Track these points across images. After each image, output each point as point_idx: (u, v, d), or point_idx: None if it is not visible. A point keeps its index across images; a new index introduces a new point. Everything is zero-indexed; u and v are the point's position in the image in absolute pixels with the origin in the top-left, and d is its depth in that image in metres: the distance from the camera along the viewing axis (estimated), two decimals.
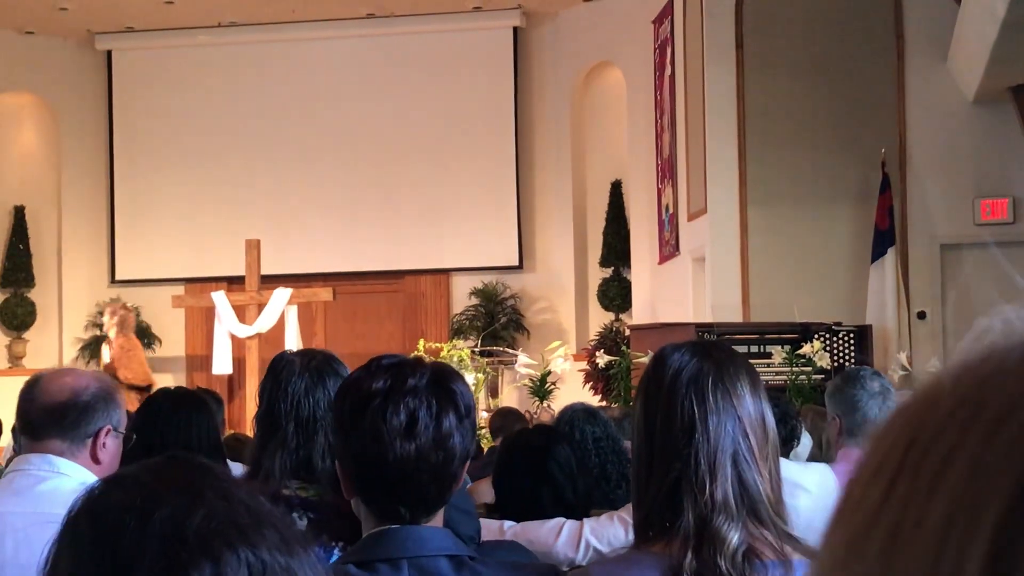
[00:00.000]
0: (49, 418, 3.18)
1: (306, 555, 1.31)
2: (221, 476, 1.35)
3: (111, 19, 16.48)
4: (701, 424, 2.10)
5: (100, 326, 13.93)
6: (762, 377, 7.37)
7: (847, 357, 10.44)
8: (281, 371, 3.26)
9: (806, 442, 5.59)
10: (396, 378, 2.25)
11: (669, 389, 2.14)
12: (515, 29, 16.66)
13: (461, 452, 2.23)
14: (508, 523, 3.72)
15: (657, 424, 2.14)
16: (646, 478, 2.14)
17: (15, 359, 16.83)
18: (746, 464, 2.10)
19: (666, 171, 14.16)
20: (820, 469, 4.11)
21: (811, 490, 3.94)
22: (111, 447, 3.24)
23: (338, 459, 2.35)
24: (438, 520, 2.27)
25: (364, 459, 2.23)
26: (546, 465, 3.93)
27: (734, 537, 2.05)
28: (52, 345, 16.97)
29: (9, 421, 8.31)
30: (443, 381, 2.27)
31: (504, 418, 8.61)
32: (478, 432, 11.47)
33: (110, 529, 1.27)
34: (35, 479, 3.14)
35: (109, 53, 17.31)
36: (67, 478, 3.14)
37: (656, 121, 14.69)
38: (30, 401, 3.23)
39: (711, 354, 2.17)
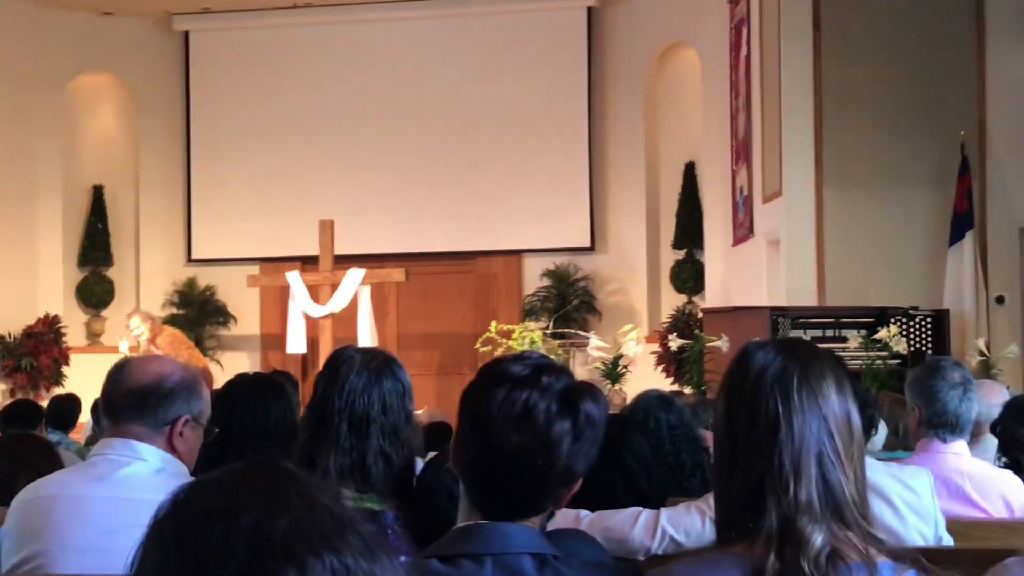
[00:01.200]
0: (130, 401, 3.22)
1: (389, 561, 1.31)
2: (305, 481, 1.35)
3: (189, 0, 16.61)
4: (785, 423, 2.07)
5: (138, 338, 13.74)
6: None
7: (924, 342, 10.33)
8: (340, 365, 3.25)
9: (882, 431, 5.53)
10: (532, 372, 2.22)
11: (753, 387, 2.11)
12: (589, 9, 16.60)
13: (563, 466, 2.19)
14: (584, 512, 3.71)
15: (740, 423, 2.11)
16: (728, 477, 2.12)
17: (93, 337, 17.07)
18: (831, 465, 2.07)
19: (740, 152, 14.05)
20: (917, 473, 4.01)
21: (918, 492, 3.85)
22: (189, 437, 3.26)
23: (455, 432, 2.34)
24: (532, 523, 2.25)
25: (469, 438, 2.23)
26: (620, 455, 3.91)
27: (818, 538, 2.02)
28: None
29: (88, 397, 8.42)
30: (574, 393, 2.23)
31: None
32: None
33: (195, 534, 1.27)
34: (116, 464, 3.19)
35: (186, 34, 17.45)
36: (146, 463, 3.18)
37: (731, 102, 14.58)
38: (114, 383, 3.28)
39: (796, 352, 2.15)
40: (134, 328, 13.70)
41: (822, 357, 2.17)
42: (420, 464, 4.53)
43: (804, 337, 9.92)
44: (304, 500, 1.30)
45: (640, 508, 3.70)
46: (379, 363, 3.27)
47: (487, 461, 2.20)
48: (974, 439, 4.94)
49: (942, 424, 4.43)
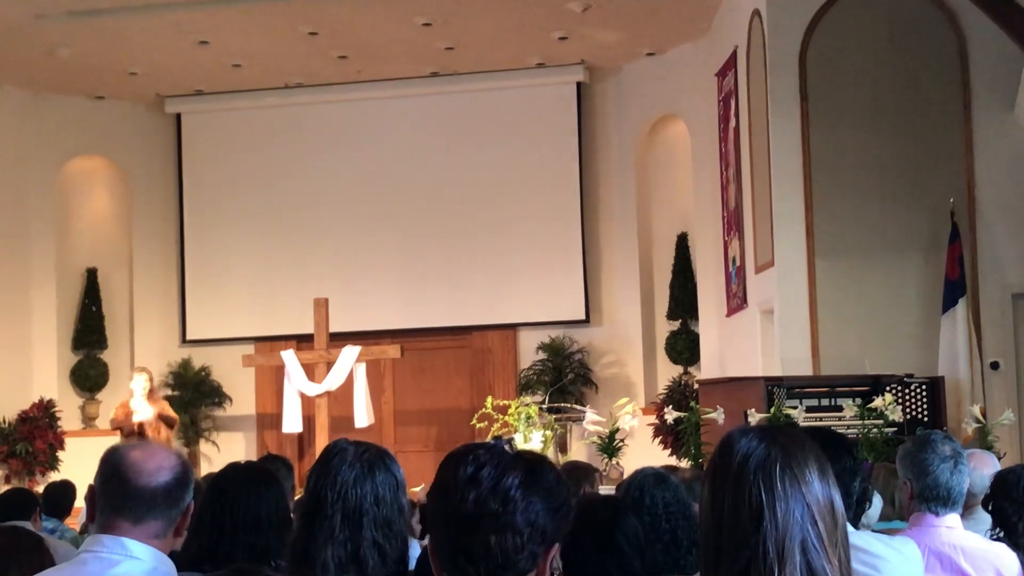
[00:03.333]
0: (155, 500, 3.12)
1: None
2: None
3: (180, 82, 16.74)
4: (769, 511, 2.08)
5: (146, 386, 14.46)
6: None
7: (919, 410, 10.33)
8: (333, 457, 3.25)
9: (877, 503, 5.52)
10: (487, 448, 2.30)
11: (736, 476, 2.12)
12: (578, 84, 16.73)
13: (523, 515, 2.21)
14: None
15: (725, 511, 2.12)
16: (715, 565, 2.13)
17: (88, 420, 17.02)
18: (815, 552, 2.08)
19: (732, 223, 14.12)
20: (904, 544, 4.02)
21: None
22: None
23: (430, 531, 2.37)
24: None
25: (435, 517, 2.27)
26: (614, 537, 3.90)
27: None
28: None
29: (83, 482, 8.39)
30: (522, 457, 2.32)
31: (570, 475, 8.19)
32: None
33: None
34: (107, 563, 3.11)
35: (178, 116, 17.56)
36: (140, 562, 3.11)
37: (721, 173, 14.67)
38: (125, 484, 3.15)
39: (778, 439, 2.16)
40: (137, 383, 14.26)
41: (804, 443, 2.19)
42: (415, 546, 4.52)
43: (799, 407, 9.92)
44: None
45: None
46: (372, 455, 3.26)
47: (453, 527, 2.23)
48: (967, 511, 4.94)
49: (934, 498, 4.43)
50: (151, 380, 14.48)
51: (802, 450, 2.16)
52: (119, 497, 3.18)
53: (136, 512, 3.14)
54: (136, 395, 14.25)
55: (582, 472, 8.17)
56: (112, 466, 3.21)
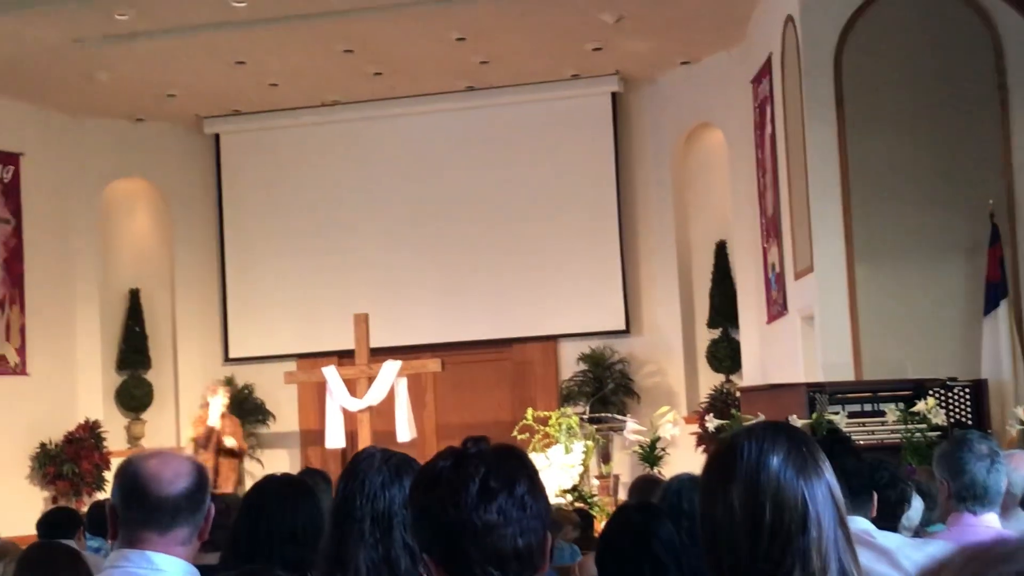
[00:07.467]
0: (179, 508, 3.13)
1: None
2: None
3: (218, 103, 16.86)
4: (812, 505, 2.06)
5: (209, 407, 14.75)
6: (876, 436, 7.30)
7: (963, 413, 10.25)
8: (360, 463, 3.29)
9: (918, 505, 5.49)
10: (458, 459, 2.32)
11: (773, 478, 2.09)
12: (613, 94, 16.73)
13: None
14: None
15: (766, 514, 2.08)
16: (744, 571, 2.09)
17: (134, 440, 17.13)
18: (842, 534, 2.09)
19: (770, 230, 14.08)
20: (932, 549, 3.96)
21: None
22: None
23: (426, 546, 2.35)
24: None
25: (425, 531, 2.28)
26: (649, 545, 3.90)
27: None
28: (169, 425, 17.26)
29: None
30: (516, 457, 2.35)
31: (641, 491, 8.13)
32: (590, 500, 11.43)
33: None
34: None
35: (217, 136, 17.67)
36: (166, 574, 3.11)
37: (758, 180, 14.63)
38: (147, 496, 3.14)
39: (793, 435, 2.15)
40: (216, 402, 14.61)
41: (807, 435, 2.19)
42: None
43: (841, 413, 9.88)
44: None
45: None
46: (398, 460, 3.30)
47: (473, 538, 2.23)
48: (1005, 511, 4.90)
49: (971, 497, 4.40)
50: (221, 394, 15.02)
51: (810, 442, 2.16)
52: (143, 510, 3.16)
53: (162, 522, 3.13)
54: (213, 413, 14.75)
55: (653, 486, 8.11)
56: (130, 480, 3.19)
